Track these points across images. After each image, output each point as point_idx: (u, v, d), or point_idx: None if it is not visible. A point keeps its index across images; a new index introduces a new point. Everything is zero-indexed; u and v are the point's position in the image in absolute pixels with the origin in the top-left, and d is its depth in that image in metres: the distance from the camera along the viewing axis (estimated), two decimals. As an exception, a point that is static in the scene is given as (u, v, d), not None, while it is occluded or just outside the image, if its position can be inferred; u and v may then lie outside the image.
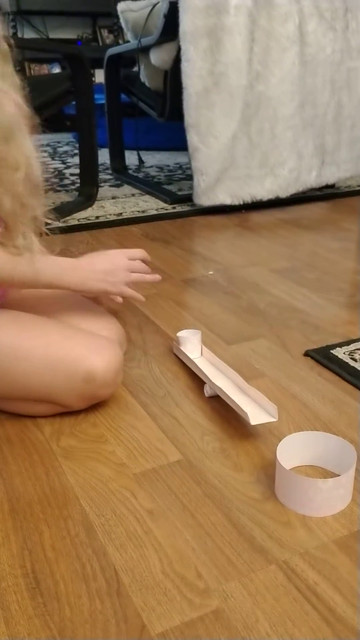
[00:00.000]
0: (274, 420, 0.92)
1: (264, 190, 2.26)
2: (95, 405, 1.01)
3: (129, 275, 1.07)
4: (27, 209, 0.93)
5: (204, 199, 2.19)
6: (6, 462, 0.90)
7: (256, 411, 0.95)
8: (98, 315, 1.10)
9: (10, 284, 1.00)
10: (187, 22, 1.96)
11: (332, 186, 2.53)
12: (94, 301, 1.14)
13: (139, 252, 1.11)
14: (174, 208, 2.31)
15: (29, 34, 4.42)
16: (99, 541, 0.75)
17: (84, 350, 0.95)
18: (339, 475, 0.80)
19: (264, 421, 0.92)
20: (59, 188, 2.59)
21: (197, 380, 1.10)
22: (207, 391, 1.05)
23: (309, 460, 0.88)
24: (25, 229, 0.94)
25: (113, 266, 1.05)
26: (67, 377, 0.93)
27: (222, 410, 1.01)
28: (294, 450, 0.86)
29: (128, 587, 0.69)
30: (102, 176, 2.74)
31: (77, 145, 2.59)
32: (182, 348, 1.17)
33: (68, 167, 3.05)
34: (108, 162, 2.86)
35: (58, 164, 3.12)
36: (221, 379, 1.06)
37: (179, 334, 1.19)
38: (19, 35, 4.24)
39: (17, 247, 0.93)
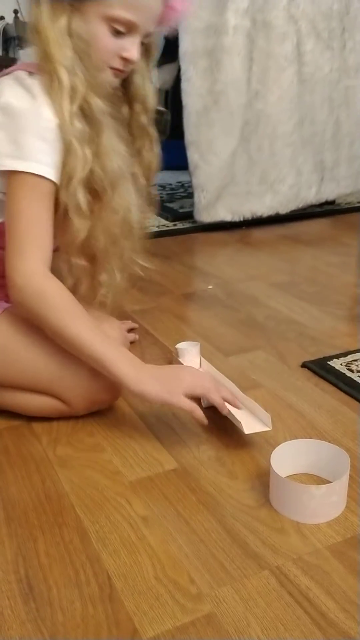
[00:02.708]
0: (268, 429, 0.93)
1: (264, 207, 2.28)
2: (93, 414, 1.02)
3: (192, 389, 0.92)
4: (118, 248, 1.02)
5: (204, 216, 2.21)
6: (3, 470, 0.90)
7: (250, 420, 0.95)
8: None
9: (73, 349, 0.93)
10: (187, 43, 2.00)
11: (332, 203, 2.55)
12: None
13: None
14: (174, 225, 2.33)
15: (34, 57, 4.49)
16: (92, 547, 0.75)
17: None
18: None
19: (258, 430, 0.93)
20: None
21: (194, 391, 1.11)
22: (204, 401, 1.06)
23: (303, 468, 0.88)
24: (112, 267, 1.03)
25: (176, 374, 0.94)
26: (74, 370, 0.95)
27: (219, 419, 1.02)
28: (288, 458, 0.86)
29: (120, 592, 0.69)
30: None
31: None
32: (180, 359, 1.18)
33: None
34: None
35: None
36: (217, 389, 1.07)
37: (178, 345, 1.20)
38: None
39: (100, 283, 1.02)
